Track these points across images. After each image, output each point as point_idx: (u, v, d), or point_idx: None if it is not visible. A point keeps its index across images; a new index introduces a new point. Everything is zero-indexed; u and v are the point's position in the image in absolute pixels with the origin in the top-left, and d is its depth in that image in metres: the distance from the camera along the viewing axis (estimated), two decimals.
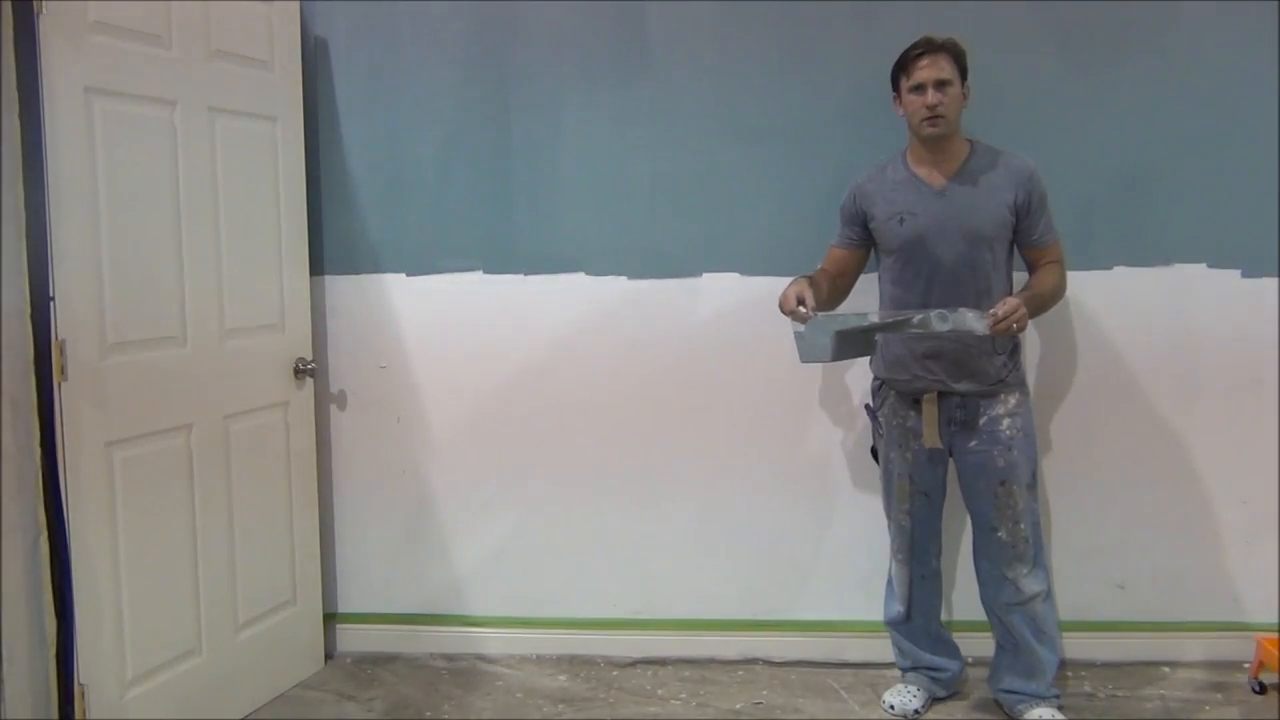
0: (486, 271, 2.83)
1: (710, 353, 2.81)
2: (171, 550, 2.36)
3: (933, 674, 2.60)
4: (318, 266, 2.82)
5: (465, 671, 2.86)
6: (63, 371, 2.09)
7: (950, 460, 2.47)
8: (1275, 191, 2.65)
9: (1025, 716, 2.44)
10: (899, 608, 2.56)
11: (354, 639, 2.97)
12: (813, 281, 2.33)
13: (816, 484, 2.83)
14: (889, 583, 2.61)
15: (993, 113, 2.66)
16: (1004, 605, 2.44)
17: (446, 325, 2.85)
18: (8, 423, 2.06)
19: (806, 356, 2.22)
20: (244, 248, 2.52)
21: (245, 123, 2.51)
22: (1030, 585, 2.39)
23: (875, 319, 2.28)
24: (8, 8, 2.00)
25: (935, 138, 2.33)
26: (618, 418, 2.84)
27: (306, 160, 2.72)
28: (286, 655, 2.74)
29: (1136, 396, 2.74)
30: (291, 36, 2.65)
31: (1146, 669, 2.74)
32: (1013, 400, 2.39)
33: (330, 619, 2.94)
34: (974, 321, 2.17)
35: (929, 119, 2.29)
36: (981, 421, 2.38)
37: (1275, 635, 2.62)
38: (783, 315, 2.27)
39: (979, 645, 2.75)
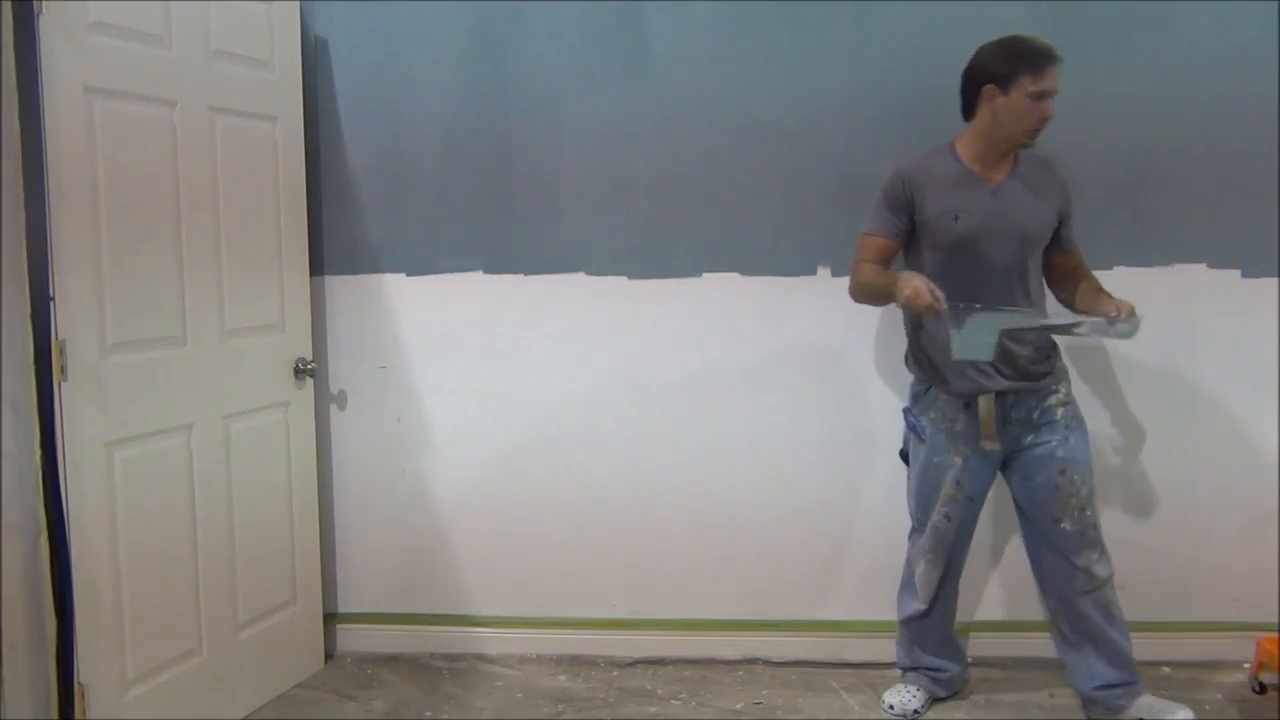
0: (486, 271, 2.83)
1: (710, 353, 2.81)
2: (171, 550, 2.36)
3: (934, 674, 2.60)
4: (318, 266, 2.82)
5: (465, 671, 2.86)
6: (63, 371, 2.09)
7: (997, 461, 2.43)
8: (1275, 191, 2.65)
9: (1135, 705, 2.40)
10: (919, 606, 2.53)
11: (354, 639, 2.97)
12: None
13: (817, 483, 2.83)
14: (906, 581, 2.58)
15: None
16: (1076, 594, 2.39)
17: (446, 325, 2.85)
18: (8, 423, 2.06)
19: (963, 353, 2.19)
20: (244, 248, 2.52)
21: (245, 123, 2.51)
22: (1101, 570, 2.38)
23: (1042, 319, 2.24)
24: (8, 8, 2.00)
25: (1026, 146, 2.31)
26: (617, 417, 2.84)
27: (306, 160, 2.72)
28: (286, 655, 2.74)
29: (1136, 396, 2.74)
30: (291, 36, 2.65)
31: (1146, 669, 2.73)
32: (1062, 390, 2.39)
33: (330, 619, 2.94)
34: (1129, 328, 2.16)
35: (1038, 129, 2.26)
36: (1036, 415, 2.35)
37: (1275, 635, 2.62)
38: (911, 309, 2.23)
39: (980, 646, 2.76)
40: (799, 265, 2.76)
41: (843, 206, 2.72)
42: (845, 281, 2.73)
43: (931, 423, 2.43)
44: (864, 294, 2.44)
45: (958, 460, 2.41)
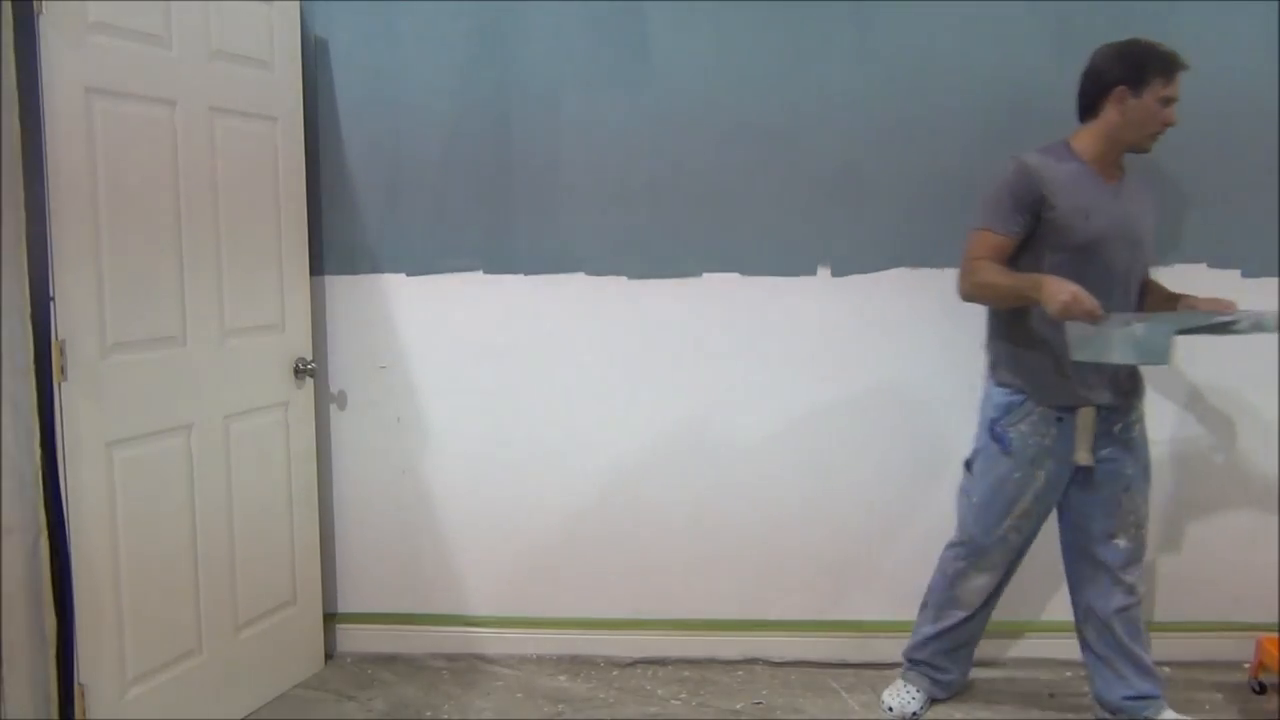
0: (486, 271, 2.83)
1: (710, 353, 2.81)
2: (171, 550, 2.36)
3: (937, 675, 2.58)
4: (318, 266, 2.82)
5: (465, 671, 2.86)
6: (63, 371, 2.09)
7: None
8: (1275, 191, 2.65)
9: (1161, 717, 2.37)
10: (962, 614, 2.49)
11: (354, 639, 2.97)
12: None
13: (817, 483, 2.83)
14: (940, 589, 2.52)
15: (992, 112, 2.67)
16: (1114, 610, 2.36)
17: (446, 325, 2.85)
18: (8, 423, 2.06)
19: (1142, 358, 2.11)
20: (244, 248, 2.52)
21: (245, 123, 2.51)
22: (1141, 588, 2.38)
23: (1207, 319, 2.13)
24: (8, 8, 2.00)
25: (1144, 151, 2.29)
26: (617, 418, 2.84)
27: (306, 160, 2.72)
28: (286, 655, 2.74)
29: None
30: (291, 36, 2.65)
31: None
32: (1140, 406, 2.36)
33: (330, 619, 2.94)
34: (1271, 321, 2.09)
35: (1158, 135, 2.25)
36: (1118, 430, 2.31)
37: (1275, 635, 2.62)
38: (1066, 315, 2.09)
39: (980, 646, 2.75)
40: (799, 265, 2.76)
41: (843, 206, 2.73)
42: (845, 281, 2.75)
43: (1021, 436, 2.32)
44: (986, 293, 2.29)
45: (1040, 475, 2.33)
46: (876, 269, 2.75)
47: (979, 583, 2.47)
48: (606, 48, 2.74)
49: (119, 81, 2.18)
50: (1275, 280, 2.67)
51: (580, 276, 2.80)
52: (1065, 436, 2.30)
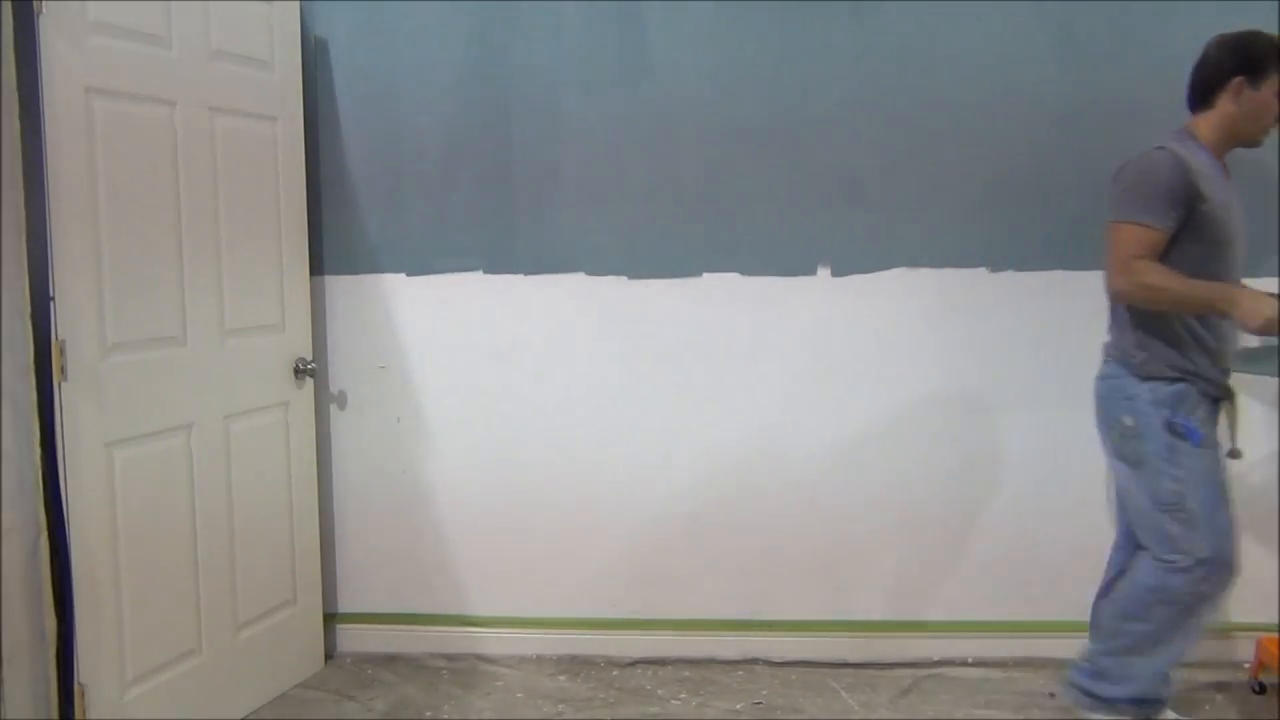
0: (486, 271, 2.83)
1: (710, 353, 2.81)
2: (171, 550, 2.36)
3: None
4: (318, 266, 2.82)
5: (465, 671, 2.86)
6: (63, 371, 2.09)
7: None
8: (1276, 191, 2.65)
9: (1160, 718, 2.31)
10: (1192, 644, 2.28)
11: (354, 639, 2.97)
12: None
13: (817, 482, 2.83)
14: (1180, 612, 2.22)
15: (992, 112, 2.67)
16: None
17: (446, 325, 2.85)
18: (8, 423, 2.06)
19: None
20: (244, 248, 2.52)
21: (245, 123, 2.51)
22: None
23: None
24: (8, 8, 2.00)
25: (1255, 145, 2.22)
26: (617, 418, 2.84)
27: (306, 160, 2.72)
28: (286, 655, 2.74)
29: None
30: (291, 36, 2.65)
31: None
32: None
33: (330, 619, 2.94)
34: None
35: (1271, 128, 2.18)
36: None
37: (1275, 635, 2.62)
38: (1267, 333, 2.02)
39: (980, 646, 2.76)
40: (799, 265, 2.76)
41: (843, 206, 2.73)
42: (845, 281, 2.75)
43: (1201, 422, 2.17)
44: (1158, 297, 2.13)
45: (1213, 460, 2.19)
46: (876, 269, 2.75)
47: (1221, 594, 2.23)
48: (606, 48, 2.74)
49: (119, 81, 2.18)
50: (1275, 280, 2.67)
51: (580, 276, 2.80)
52: (1214, 428, 2.22)
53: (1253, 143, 2.24)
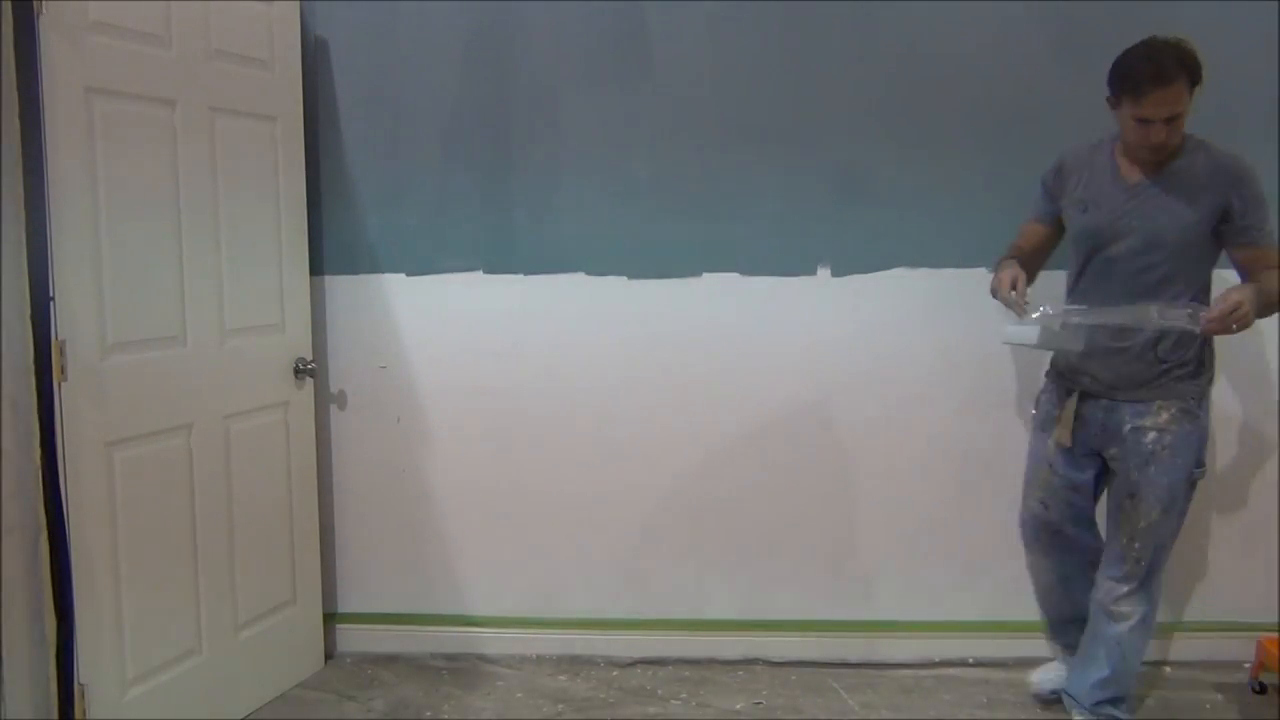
0: (486, 271, 2.83)
1: (710, 353, 2.81)
2: (171, 550, 2.36)
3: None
4: (318, 266, 2.82)
5: (465, 671, 2.86)
6: (63, 371, 2.09)
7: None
8: (1276, 191, 2.65)
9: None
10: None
11: (354, 639, 2.97)
12: (1021, 263, 2.33)
13: (816, 482, 2.83)
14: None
15: (993, 112, 2.67)
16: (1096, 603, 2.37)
17: (446, 325, 2.85)
18: (8, 423, 2.06)
19: (1011, 339, 2.27)
20: (244, 248, 2.52)
21: (245, 123, 2.51)
22: (1124, 606, 2.32)
23: (1094, 315, 2.19)
24: (8, 8, 1.99)
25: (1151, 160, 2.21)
26: (617, 418, 2.84)
27: (306, 160, 2.72)
28: (286, 655, 2.74)
29: None
30: (291, 36, 2.65)
31: (1147, 669, 2.73)
32: (1166, 415, 2.24)
33: (330, 619, 2.94)
34: (1187, 319, 2.07)
35: (1151, 149, 2.15)
36: (1125, 430, 2.27)
37: (1275, 635, 2.62)
38: (995, 300, 2.30)
39: (980, 646, 2.76)
40: (799, 265, 2.76)
41: (843, 206, 2.73)
42: (844, 281, 2.76)
43: (1042, 404, 2.48)
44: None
45: (1050, 443, 2.42)
46: (876, 269, 2.75)
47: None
48: (606, 47, 2.74)
49: (119, 81, 2.18)
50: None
51: (580, 276, 2.80)
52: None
53: (1142, 159, 2.22)
